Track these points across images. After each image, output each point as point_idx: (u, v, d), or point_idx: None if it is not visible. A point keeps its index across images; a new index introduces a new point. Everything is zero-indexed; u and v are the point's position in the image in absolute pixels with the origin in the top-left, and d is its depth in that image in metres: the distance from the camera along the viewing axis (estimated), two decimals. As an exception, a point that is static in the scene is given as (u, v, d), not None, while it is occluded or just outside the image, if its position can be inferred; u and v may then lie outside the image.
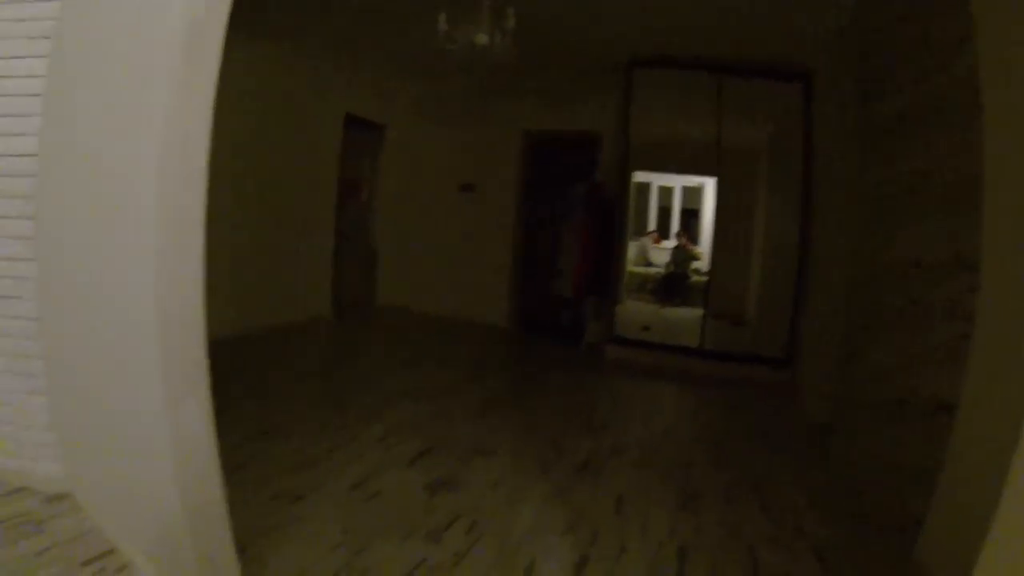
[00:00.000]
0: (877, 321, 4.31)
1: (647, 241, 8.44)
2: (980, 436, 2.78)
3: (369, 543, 3.03)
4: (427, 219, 8.68)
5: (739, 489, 3.99)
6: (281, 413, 4.50)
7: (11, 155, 2.71)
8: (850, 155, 5.16)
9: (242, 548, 2.38)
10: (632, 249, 8.06)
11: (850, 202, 5.08)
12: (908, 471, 3.52)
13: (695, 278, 8.14)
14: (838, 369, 4.97)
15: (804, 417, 5.48)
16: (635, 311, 7.84)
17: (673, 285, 8.20)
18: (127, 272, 2.13)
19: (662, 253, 8.59)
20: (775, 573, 3.04)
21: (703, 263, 7.92)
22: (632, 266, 8.22)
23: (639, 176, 7.61)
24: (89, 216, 2.37)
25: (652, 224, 8.62)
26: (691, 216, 8.56)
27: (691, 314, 7.68)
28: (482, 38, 4.75)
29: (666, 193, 8.66)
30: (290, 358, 5.83)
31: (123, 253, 2.16)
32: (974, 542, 2.58)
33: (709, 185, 7.82)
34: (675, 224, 8.61)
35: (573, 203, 7.77)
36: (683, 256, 8.26)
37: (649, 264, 8.51)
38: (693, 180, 8.39)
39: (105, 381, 2.40)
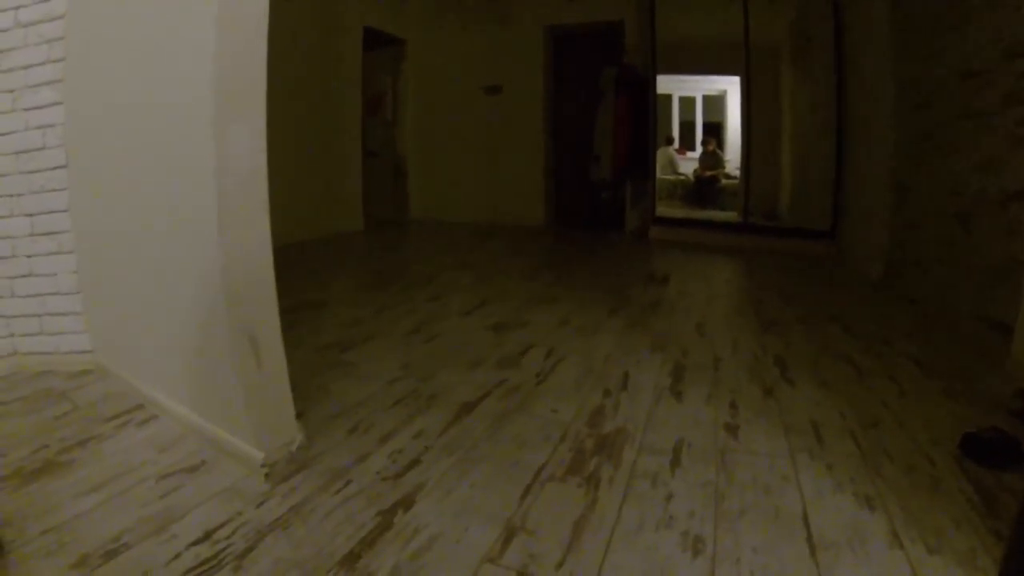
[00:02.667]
0: (932, 147, 4.14)
1: (671, 151, 8.17)
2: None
3: (435, 373, 2.79)
4: (454, 127, 8.35)
5: (815, 318, 3.76)
6: (324, 291, 4.25)
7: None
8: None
9: (292, 386, 2.11)
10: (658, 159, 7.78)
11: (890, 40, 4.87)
12: (987, 274, 3.34)
13: (725, 182, 7.90)
14: (892, 215, 4.80)
15: (858, 275, 5.20)
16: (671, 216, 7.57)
17: (704, 190, 7.95)
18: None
19: (689, 163, 8.33)
20: (879, 374, 2.81)
21: (731, 169, 7.65)
22: (660, 174, 7.96)
23: (660, 87, 7.34)
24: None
25: (676, 139, 8.35)
26: (713, 128, 8.30)
27: (724, 216, 7.48)
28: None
29: (687, 105, 8.37)
30: (328, 257, 5.60)
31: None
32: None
33: (732, 91, 7.55)
34: (699, 135, 8.33)
35: (605, 87, 7.48)
36: (712, 161, 8.01)
37: (676, 173, 8.26)
38: (714, 88, 8.11)
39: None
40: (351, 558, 1.57)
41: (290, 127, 5.91)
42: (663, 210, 7.41)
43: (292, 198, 5.95)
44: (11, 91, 2.50)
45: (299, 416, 2.16)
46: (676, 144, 8.07)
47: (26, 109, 2.51)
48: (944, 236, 3.86)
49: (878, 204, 5.01)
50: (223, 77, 1.79)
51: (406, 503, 1.81)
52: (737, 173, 7.23)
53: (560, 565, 1.55)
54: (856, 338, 3.33)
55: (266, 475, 1.91)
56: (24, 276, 2.63)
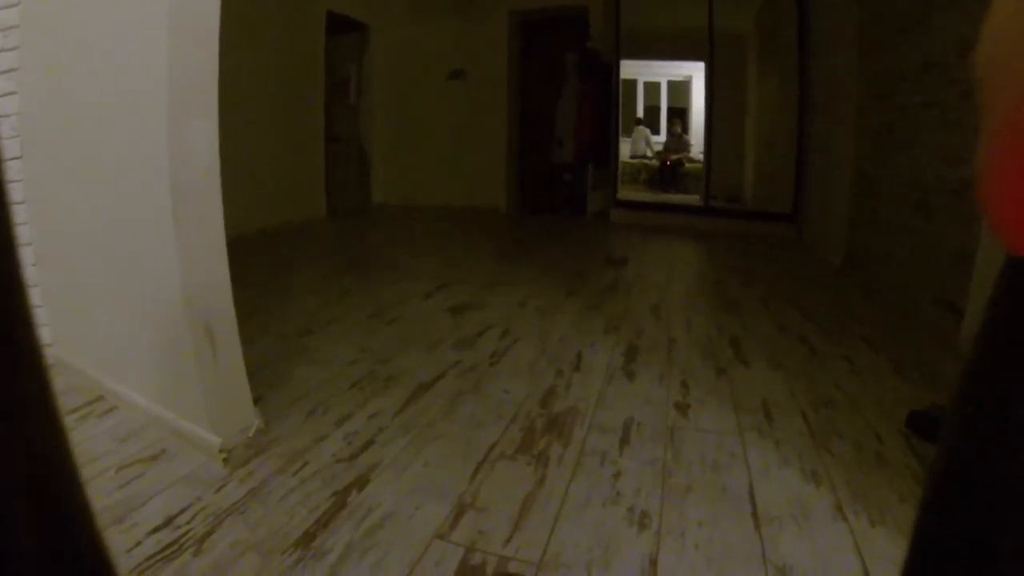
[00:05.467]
0: (893, 137, 4.22)
1: (645, 131, 8.21)
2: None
3: (392, 356, 2.81)
4: (419, 113, 8.35)
5: (774, 300, 3.83)
6: (286, 279, 4.23)
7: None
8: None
9: (254, 373, 2.19)
10: (625, 145, 7.82)
11: (855, 30, 4.94)
12: (944, 259, 3.40)
13: (688, 166, 7.96)
14: (853, 201, 4.90)
15: (818, 260, 5.27)
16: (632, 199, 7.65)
17: (668, 173, 8.01)
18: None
19: (655, 146, 8.41)
20: (834, 355, 2.87)
21: (695, 153, 7.83)
22: (627, 158, 8.02)
23: (625, 72, 7.34)
24: None
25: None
26: (678, 113, 8.35)
27: (686, 199, 7.59)
28: None
29: (652, 91, 8.42)
30: (289, 245, 5.52)
31: None
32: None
33: (697, 77, 7.61)
34: (664, 120, 8.39)
35: (568, 71, 7.51)
36: (678, 145, 8.07)
37: (644, 156, 8.31)
38: (680, 73, 8.16)
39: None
40: (306, 538, 1.58)
41: (250, 113, 5.85)
42: (626, 193, 7.45)
43: (252, 185, 5.89)
44: (-35, 82, 2.46)
45: (258, 401, 2.18)
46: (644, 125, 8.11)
47: (-20, 100, 2.45)
48: (903, 223, 3.93)
49: (839, 190, 5.10)
50: (177, 76, 1.79)
51: (360, 483, 1.83)
52: (701, 157, 7.25)
53: (508, 541, 1.58)
54: (813, 320, 3.39)
55: (224, 460, 1.92)
56: (-20, 270, 2.57)
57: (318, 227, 6.73)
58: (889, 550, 1.52)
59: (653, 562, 1.50)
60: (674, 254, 5.52)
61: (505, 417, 2.24)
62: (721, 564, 1.49)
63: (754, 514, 1.68)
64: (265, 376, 2.51)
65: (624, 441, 2.09)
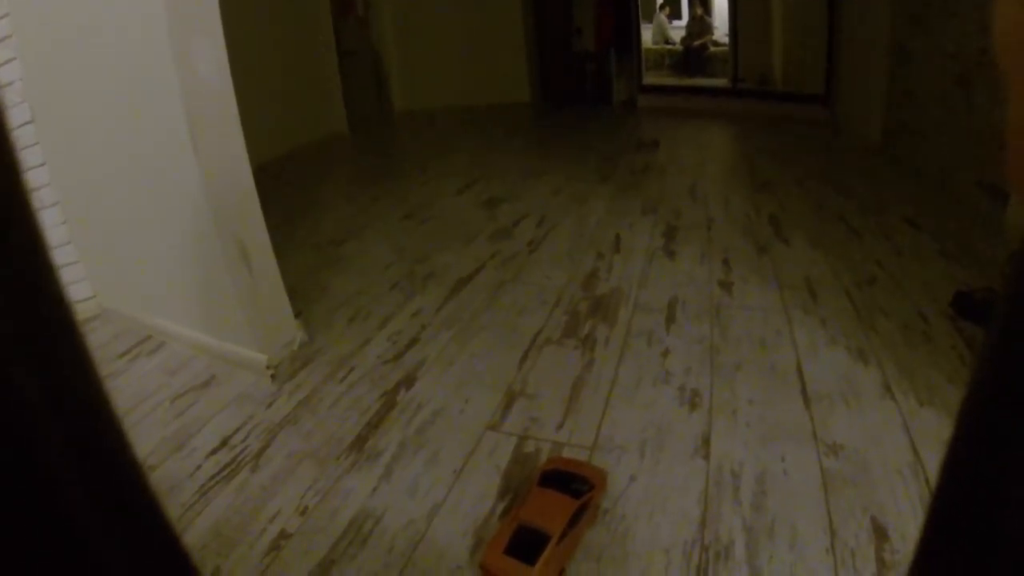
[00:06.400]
0: (932, 6, 3.94)
1: (662, 17, 7.95)
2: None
3: (429, 254, 2.79)
4: (431, 15, 8.03)
5: (810, 180, 3.72)
6: (317, 192, 4.16)
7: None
8: None
9: (293, 289, 2.16)
10: (646, 32, 7.56)
11: None
12: (988, 138, 3.21)
13: (713, 49, 7.72)
14: (889, 79, 4.64)
15: (854, 140, 5.11)
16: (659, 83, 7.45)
17: (693, 57, 7.78)
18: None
19: (676, 31, 8.14)
20: (873, 234, 2.80)
21: (719, 36, 7.55)
22: (650, 44, 7.79)
23: None
24: None
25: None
26: (701, -4, 8.07)
27: (714, 83, 7.35)
28: None
29: (674, -29, 8.12)
30: (315, 161, 5.35)
31: None
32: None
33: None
34: (685, 3, 8.12)
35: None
36: (700, 28, 7.81)
37: (667, 42, 8.08)
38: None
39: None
40: (359, 441, 1.61)
41: (258, 37, 5.68)
42: (651, 79, 7.24)
43: (272, 110, 5.77)
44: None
45: (299, 315, 2.18)
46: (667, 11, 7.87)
47: (-19, 72, 2.38)
48: (943, 100, 3.74)
49: (875, 67, 4.84)
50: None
51: (408, 381, 1.85)
52: (726, 40, 7.00)
53: (560, 426, 1.59)
54: (851, 200, 3.29)
55: (272, 376, 1.94)
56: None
57: (341, 142, 6.59)
58: (937, 430, 1.51)
59: (706, 441, 1.51)
60: (705, 137, 5.38)
61: (548, 302, 2.24)
62: (773, 442, 1.49)
63: (803, 392, 1.68)
64: (304, 288, 2.51)
65: (670, 320, 2.08)
